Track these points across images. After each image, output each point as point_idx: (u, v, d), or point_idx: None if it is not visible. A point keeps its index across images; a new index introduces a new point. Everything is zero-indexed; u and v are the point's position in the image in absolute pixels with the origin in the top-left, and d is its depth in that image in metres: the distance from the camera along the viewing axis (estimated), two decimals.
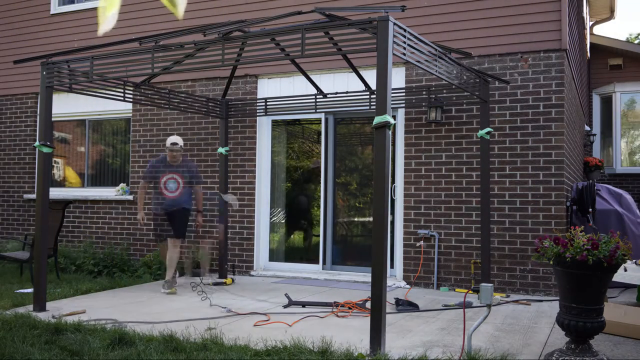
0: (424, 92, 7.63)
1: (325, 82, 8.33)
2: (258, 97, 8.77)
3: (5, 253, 8.43)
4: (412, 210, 7.78)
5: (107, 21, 1.44)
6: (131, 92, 7.41)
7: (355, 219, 8.68)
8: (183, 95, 8.30)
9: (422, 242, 7.65)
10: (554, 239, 4.16)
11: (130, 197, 9.43)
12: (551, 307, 6.33)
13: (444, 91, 7.48)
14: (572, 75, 8.33)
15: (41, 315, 5.63)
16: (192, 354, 4.31)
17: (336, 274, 8.28)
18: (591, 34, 13.13)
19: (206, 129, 9.06)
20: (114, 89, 7.09)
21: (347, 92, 7.97)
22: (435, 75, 5.66)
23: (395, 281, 7.77)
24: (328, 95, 8.06)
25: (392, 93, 7.41)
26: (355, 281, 7.91)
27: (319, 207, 8.54)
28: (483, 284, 4.39)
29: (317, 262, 8.49)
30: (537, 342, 4.89)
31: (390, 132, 4.66)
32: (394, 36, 4.71)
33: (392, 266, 7.95)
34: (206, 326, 5.25)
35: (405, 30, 4.97)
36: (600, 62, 13.02)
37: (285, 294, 6.52)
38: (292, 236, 9.12)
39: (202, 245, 8.55)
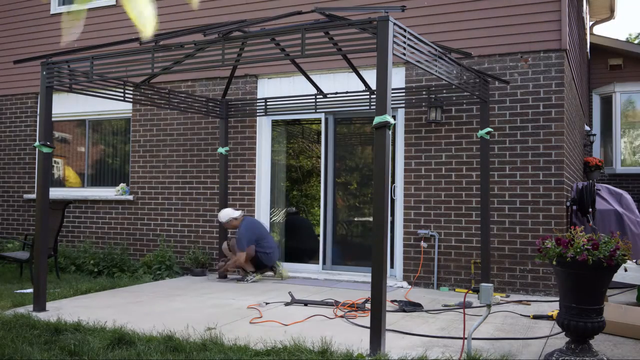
0: (424, 92, 7.63)
1: (325, 82, 8.33)
2: (258, 97, 8.77)
3: (5, 253, 8.43)
4: (412, 210, 7.78)
5: None
6: (131, 92, 7.41)
7: (355, 219, 8.67)
8: (183, 95, 8.30)
9: (423, 243, 7.65)
10: (556, 239, 4.16)
11: (131, 197, 9.43)
12: (551, 307, 6.32)
13: (444, 91, 7.48)
14: (572, 75, 8.32)
15: (41, 315, 5.63)
16: (192, 354, 4.32)
17: (336, 273, 8.28)
18: (591, 34, 13.12)
19: (206, 129, 9.06)
20: (114, 89, 7.08)
21: (347, 92, 7.97)
22: (435, 75, 5.66)
23: (396, 281, 7.76)
24: (328, 95, 8.05)
25: (392, 93, 7.41)
26: (355, 281, 7.91)
27: (319, 206, 8.54)
28: (483, 284, 4.39)
29: (317, 262, 8.49)
30: (537, 342, 4.89)
31: (390, 132, 4.66)
32: (394, 36, 4.71)
33: (392, 266, 7.95)
34: (206, 326, 5.25)
35: (405, 30, 4.97)
36: (600, 62, 13.01)
37: (289, 292, 6.54)
38: (292, 236, 9.11)
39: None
